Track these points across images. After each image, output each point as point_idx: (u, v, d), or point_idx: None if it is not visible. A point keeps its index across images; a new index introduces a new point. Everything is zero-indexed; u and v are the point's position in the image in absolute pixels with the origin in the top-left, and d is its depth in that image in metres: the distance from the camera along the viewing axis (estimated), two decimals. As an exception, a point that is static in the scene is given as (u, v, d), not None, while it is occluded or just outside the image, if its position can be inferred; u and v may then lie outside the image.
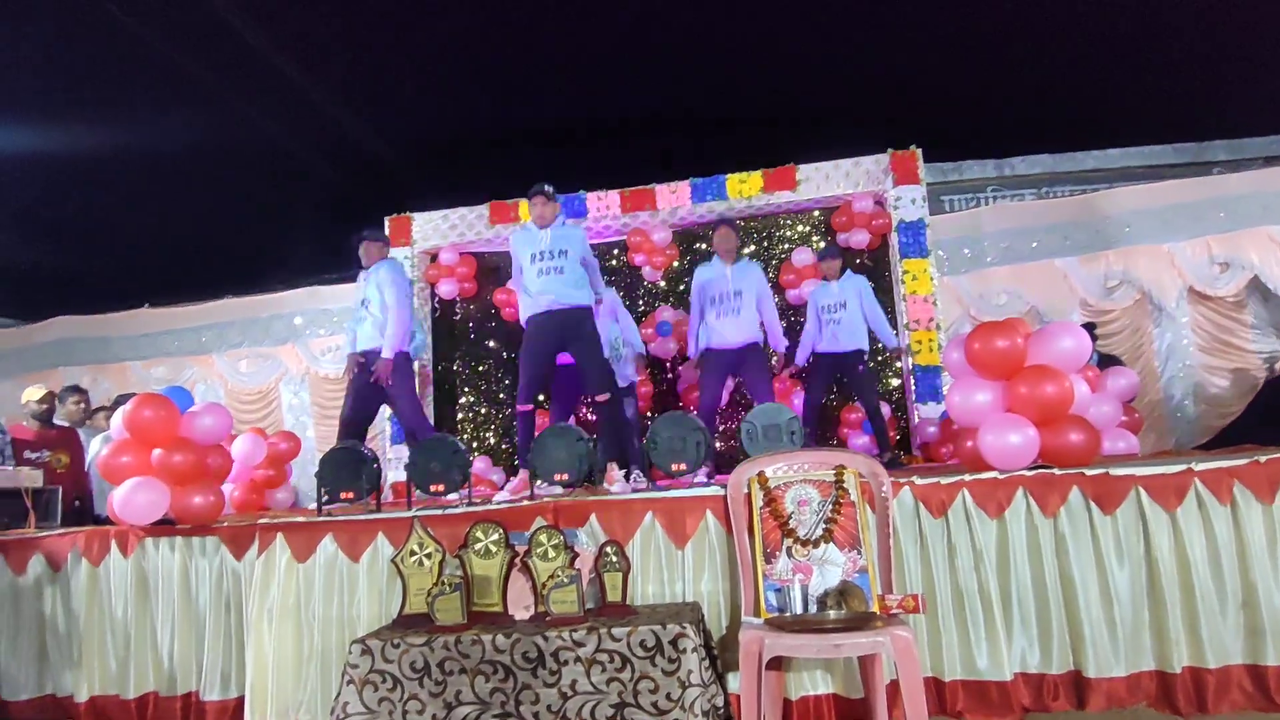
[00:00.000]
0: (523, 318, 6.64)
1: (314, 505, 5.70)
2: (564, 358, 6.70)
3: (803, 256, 10.20)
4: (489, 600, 4.28)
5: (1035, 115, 13.81)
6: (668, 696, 3.63)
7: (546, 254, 6.46)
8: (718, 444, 8.96)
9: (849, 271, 8.56)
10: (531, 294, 6.50)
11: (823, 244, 10.44)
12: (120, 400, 7.65)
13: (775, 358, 7.84)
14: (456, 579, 4.14)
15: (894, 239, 9.81)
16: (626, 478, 6.42)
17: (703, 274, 7.58)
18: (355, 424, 7.03)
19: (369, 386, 7.00)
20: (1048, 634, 4.42)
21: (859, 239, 10.11)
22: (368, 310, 7.06)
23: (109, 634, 5.41)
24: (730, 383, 8.87)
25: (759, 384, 7.26)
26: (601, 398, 6.49)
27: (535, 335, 6.52)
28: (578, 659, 3.73)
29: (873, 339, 8.42)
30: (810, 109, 13.22)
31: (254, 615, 4.94)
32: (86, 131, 11.73)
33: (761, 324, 7.48)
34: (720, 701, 3.91)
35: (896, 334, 9.53)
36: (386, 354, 6.84)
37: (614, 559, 4.25)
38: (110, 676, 5.37)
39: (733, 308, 7.35)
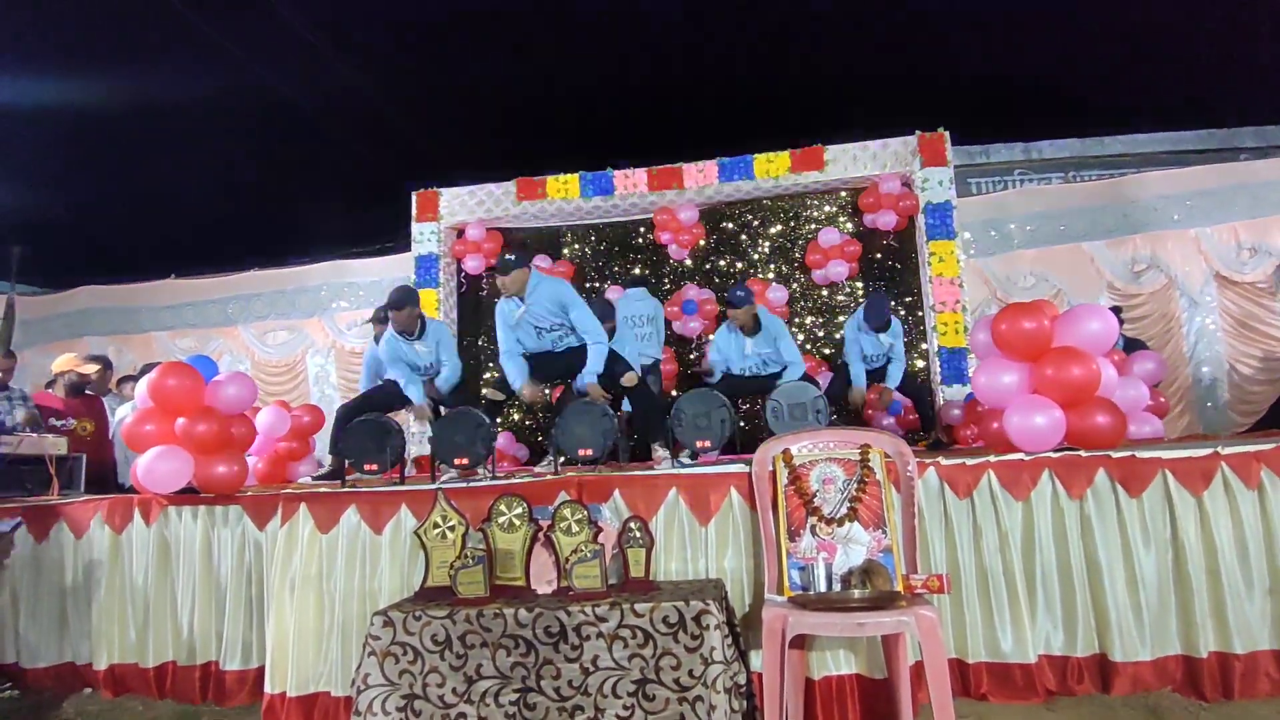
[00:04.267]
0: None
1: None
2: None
3: (829, 237, 10.13)
4: (511, 574, 4.28)
5: (1063, 99, 13.79)
6: (690, 673, 3.61)
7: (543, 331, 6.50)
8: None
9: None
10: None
11: (850, 225, 10.41)
12: (147, 369, 7.68)
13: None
14: (479, 552, 4.15)
15: (921, 220, 9.73)
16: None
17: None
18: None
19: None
20: (1072, 617, 4.41)
21: (886, 220, 10.02)
22: (427, 371, 7.16)
23: (129, 602, 5.44)
24: None
25: None
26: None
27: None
28: (600, 634, 3.71)
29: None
30: (839, 90, 13.22)
31: (275, 585, 4.94)
32: (112, 94, 11.81)
33: None
34: (742, 679, 3.90)
35: (921, 315, 9.64)
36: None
37: (638, 534, 4.26)
38: (130, 645, 5.40)
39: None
